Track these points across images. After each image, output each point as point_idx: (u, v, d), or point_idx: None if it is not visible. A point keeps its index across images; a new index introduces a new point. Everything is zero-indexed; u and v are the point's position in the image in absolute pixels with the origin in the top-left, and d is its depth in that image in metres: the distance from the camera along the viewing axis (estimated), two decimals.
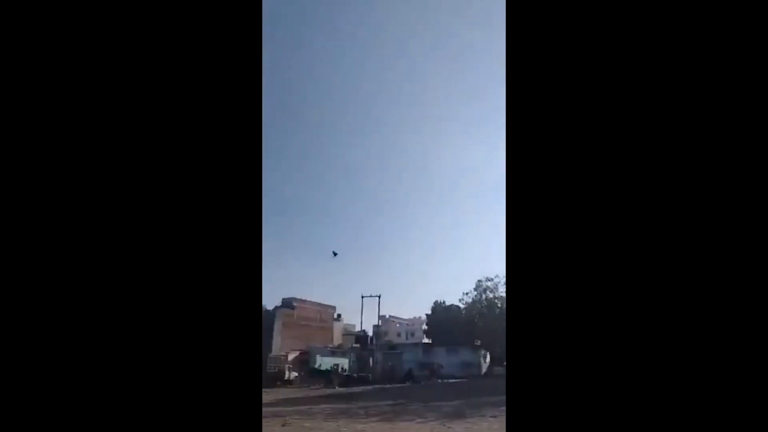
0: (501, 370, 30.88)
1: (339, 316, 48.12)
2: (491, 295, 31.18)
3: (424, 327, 43.39)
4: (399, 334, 51.87)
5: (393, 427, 8.19)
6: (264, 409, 10.18)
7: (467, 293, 33.14)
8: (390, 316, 54.44)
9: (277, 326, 35.93)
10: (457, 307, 34.71)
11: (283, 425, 8.18)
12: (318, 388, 20.86)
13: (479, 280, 32.21)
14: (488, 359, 34.90)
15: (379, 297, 32.03)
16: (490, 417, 10.24)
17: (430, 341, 38.09)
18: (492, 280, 31.71)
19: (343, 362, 29.48)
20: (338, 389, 20.45)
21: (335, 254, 28.82)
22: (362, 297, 31.88)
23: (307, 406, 12.44)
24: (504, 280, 31.08)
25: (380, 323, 37.35)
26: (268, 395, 15.70)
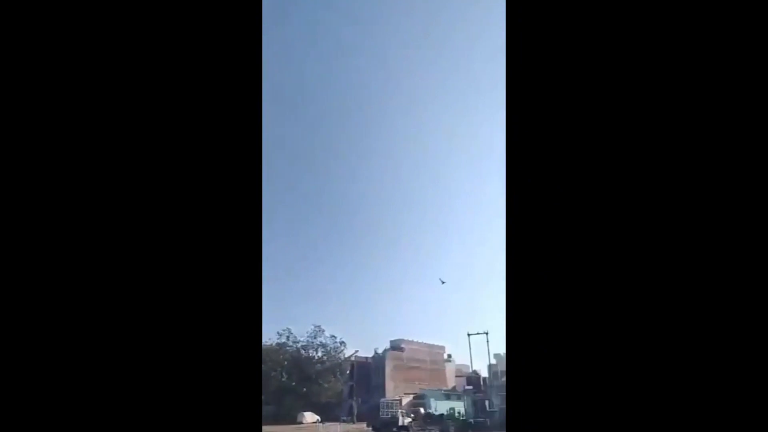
0: None
1: (449, 356, 46.39)
2: None
3: None
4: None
5: None
6: None
7: None
8: (505, 353, 50.43)
9: (388, 369, 36.12)
10: None
11: None
12: None
13: None
14: None
15: (487, 333, 30.27)
16: None
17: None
18: None
19: (458, 406, 28.03)
20: None
21: (443, 282, 28.45)
22: (468, 335, 30.50)
23: None
24: None
25: (495, 362, 34.90)
26: None
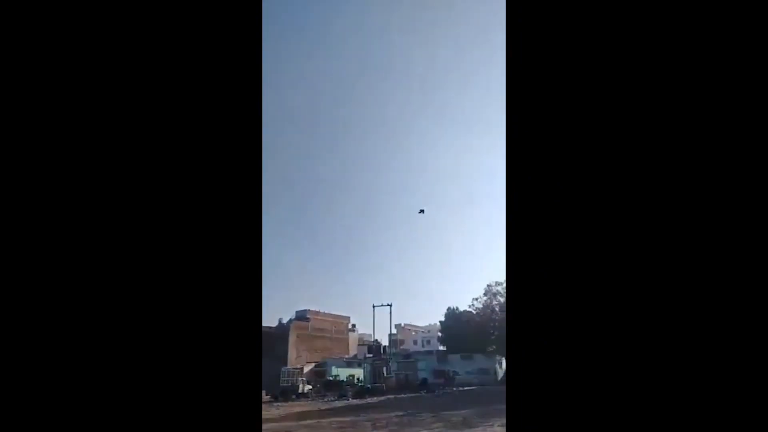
0: None
1: (354, 326, 48.11)
2: (501, 300, 30.84)
3: (439, 334, 43.08)
4: (416, 342, 51.50)
5: None
6: (272, 425, 10.33)
7: (477, 298, 32.93)
8: (405, 324, 54.17)
9: (292, 339, 36.17)
10: (470, 312, 34.43)
11: None
12: (332, 400, 20.89)
13: (489, 285, 32.01)
14: (503, 365, 34.38)
15: (390, 306, 32.01)
16: (498, 426, 10.16)
17: (445, 349, 37.79)
18: (501, 284, 31.40)
19: (358, 373, 29.47)
20: (352, 401, 20.45)
21: (422, 211, 28.29)
22: (373, 306, 31.94)
23: (316, 420, 12.53)
24: None
25: (396, 332, 37.24)
26: (278, 410, 15.83)
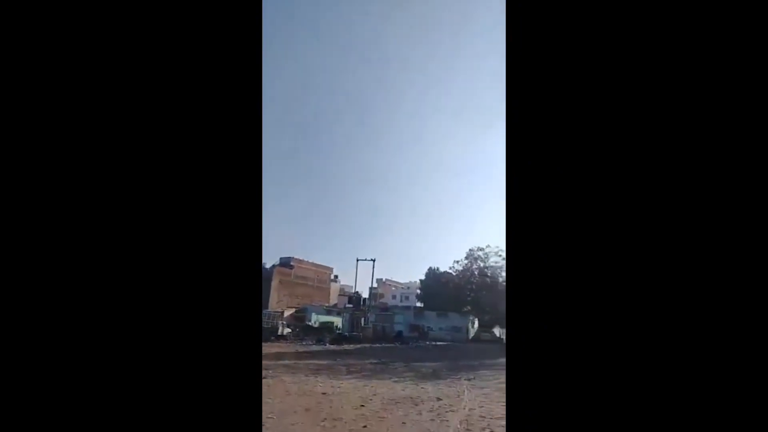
0: (487, 336, 32.03)
1: (336, 277, 49.24)
2: (482, 264, 31.71)
3: (418, 291, 44.51)
4: (394, 297, 53.31)
5: (367, 384, 8.62)
6: None
7: (458, 261, 33.79)
8: (386, 279, 55.72)
9: (275, 284, 36.95)
10: (450, 274, 35.43)
11: (263, 379, 8.62)
12: (309, 344, 21.75)
13: (471, 249, 32.79)
14: (476, 325, 36.11)
15: (374, 261, 32.57)
16: (465, 379, 10.78)
17: (422, 305, 39.26)
18: (483, 249, 32.19)
19: (337, 321, 30.54)
20: (329, 346, 21.33)
21: None
22: (357, 260, 32.47)
23: (293, 361, 13.05)
24: (495, 249, 31.52)
25: (376, 286, 38.26)
26: None
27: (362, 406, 6.59)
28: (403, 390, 8.29)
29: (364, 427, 5.48)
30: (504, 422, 5.86)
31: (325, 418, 5.75)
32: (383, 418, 5.85)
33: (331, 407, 6.48)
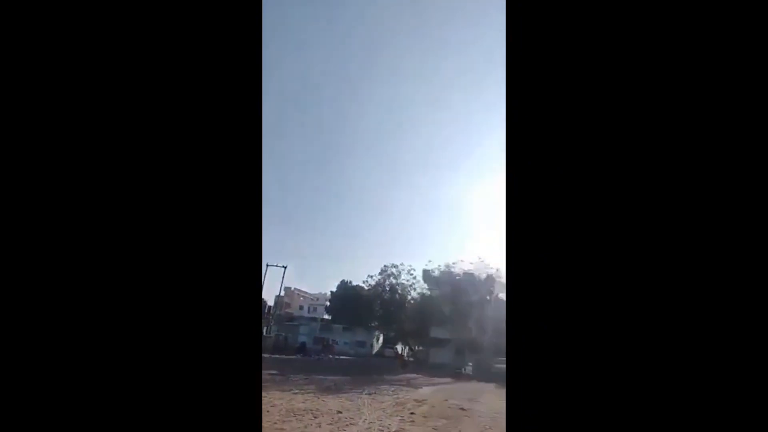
0: (391, 352, 32.69)
1: None
2: (394, 281, 32.58)
3: (327, 303, 43.85)
4: (302, 308, 51.70)
5: (265, 395, 8.15)
6: None
7: (372, 276, 34.25)
8: (296, 289, 53.93)
9: None
10: (362, 288, 35.69)
11: None
12: None
13: (385, 266, 33.48)
14: (381, 341, 36.68)
15: (285, 268, 31.40)
16: (366, 394, 10.82)
17: (330, 318, 38.71)
18: (397, 267, 33.14)
19: None
20: None
21: None
22: (267, 265, 30.93)
23: None
24: (407, 267, 32.70)
25: (283, 294, 36.78)
26: None
27: None
28: (303, 402, 8.02)
29: None
30: None
31: None
32: (281, 429, 5.57)
33: None
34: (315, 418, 6.57)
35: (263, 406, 7.08)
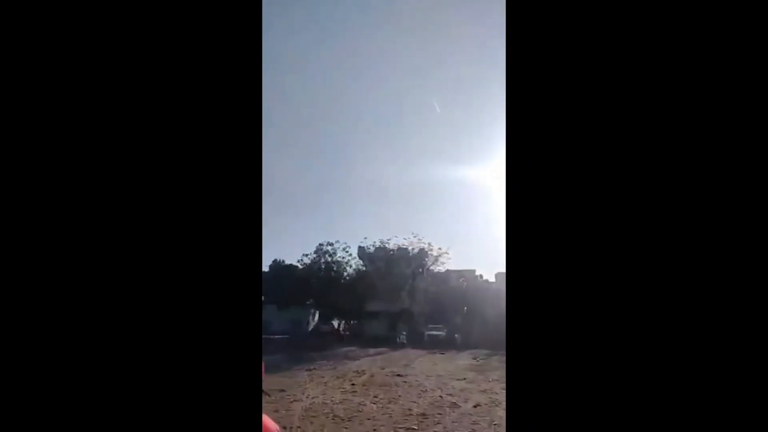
0: (326, 328, 33.13)
1: None
2: (329, 259, 32.65)
3: None
4: None
5: None
6: None
7: (307, 255, 33.93)
8: None
9: None
10: (296, 267, 35.23)
11: None
12: None
13: (320, 244, 33.28)
14: (317, 317, 36.90)
15: None
16: (306, 370, 10.97)
17: (263, 298, 37.81)
18: (332, 244, 33.17)
19: None
20: None
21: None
22: None
23: None
24: (342, 245, 32.94)
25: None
26: None
27: None
28: None
29: None
30: (343, 407, 6.30)
31: None
32: None
33: None
34: None
35: None
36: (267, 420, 1.30)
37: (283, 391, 7.39)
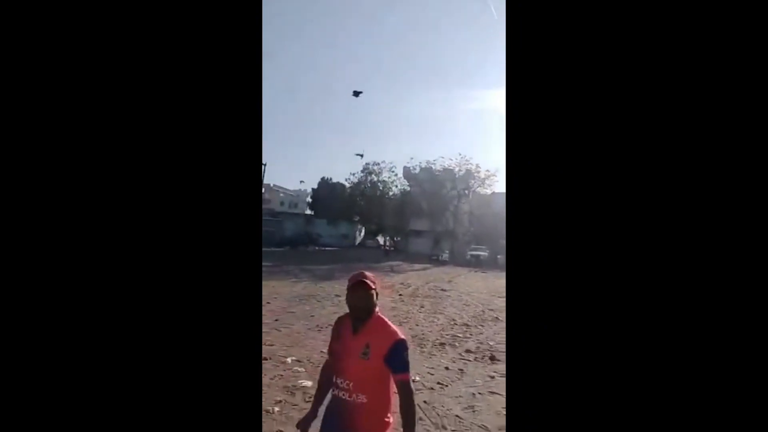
0: (372, 243, 35.02)
1: None
2: (375, 179, 33.15)
3: (309, 200, 44.77)
4: (282, 204, 52.69)
5: (267, 284, 8.96)
6: None
7: (354, 174, 34.62)
8: (275, 185, 54.13)
9: None
10: (342, 185, 36.27)
11: None
12: None
13: (367, 163, 33.59)
14: (363, 233, 38.89)
15: (265, 165, 31.05)
16: None
17: (313, 213, 40.04)
18: (378, 164, 33.38)
19: None
20: None
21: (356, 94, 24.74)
22: None
23: None
24: (389, 165, 33.05)
25: (264, 190, 37.02)
26: None
27: (268, 303, 6.96)
28: (304, 289, 8.91)
29: (276, 320, 5.90)
30: (392, 314, 7.00)
31: None
32: (291, 312, 6.36)
33: None
34: (318, 301, 7.42)
35: (267, 293, 7.87)
36: (394, 327, 1.47)
37: (338, 296, 8.20)
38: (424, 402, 3.24)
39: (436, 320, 6.51)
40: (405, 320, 6.48)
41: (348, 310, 1.52)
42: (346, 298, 1.50)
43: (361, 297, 1.52)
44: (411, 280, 12.75)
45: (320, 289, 9.09)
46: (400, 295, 9.21)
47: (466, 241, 29.87)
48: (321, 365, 1.69)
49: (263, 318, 5.84)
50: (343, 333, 1.55)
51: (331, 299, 7.77)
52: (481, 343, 5.21)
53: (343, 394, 1.45)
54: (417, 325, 6.12)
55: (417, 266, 19.04)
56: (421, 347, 4.87)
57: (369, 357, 1.44)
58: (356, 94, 25.74)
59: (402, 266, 18.61)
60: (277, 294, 8.03)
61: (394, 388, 1.44)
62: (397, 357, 1.41)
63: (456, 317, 6.83)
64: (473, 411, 3.14)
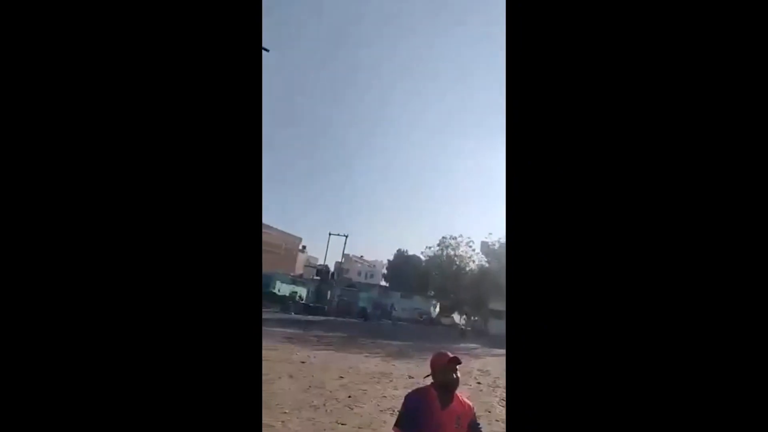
0: (448, 321, 33.39)
1: (304, 248, 49.08)
2: (452, 252, 32.63)
3: (384, 271, 45.30)
4: (359, 273, 53.97)
5: (339, 355, 8.93)
6: None
7: (430, 247, 34.60)
8: (353, 255, 56.17)
9: None
10: (418, 258, 36.30)
11: None
12: (274, 312, 21.83)
13: (444, 237, 33.53)
14: (437, 309, 37.46)
15: (347, 237, 32.78)
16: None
17: (387, 285, 40.12)
18: (455, 238, 33.05)
19: (302, 291, 30.66)
20: (294, 315, 21.50)
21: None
22: (330, 234, 32.57)
23: (264, 327, 13.17)
24: (466, 239, 32.52)
25: (343, 261, 38.62)
26: None
27: (341, 377, 6.89)
28: (376, 366, 8.69)
29: (349, 397, 5.77)
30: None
31: (310, 386, 5.98)
32: (364, 391, 6.18)
33: (312, 376, 6.72)
34: (390, 381, 7.14)
35: (340, 366, 7.81)
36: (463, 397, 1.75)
37: (411, 378, 7.81)
38: None
39: None
40: (485, 413, 5.86)
41: (431, 383, 1.72)
42: (438, 374, 1.69)
43: (455, 372, 1.70)
44: (490, 366, 11.69)
45: (393, 367, 8.79)
46: (478, 383, 8.46)
47: None
48: None
49: (337, 392, 5.75)
50: (430, 408, 1.67)
51: (403, 380, 7.43)
52: None
53: None
54: (497, 420, 5.48)
55: (497, 351, 17.50)
56: None
57: (460, 426, 1.68)
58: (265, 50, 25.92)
59: (479, 350, 17.25)
60: (351, 368, 7.92)
61: None
62: (477, 425, 1.79)
63: None
64: None
